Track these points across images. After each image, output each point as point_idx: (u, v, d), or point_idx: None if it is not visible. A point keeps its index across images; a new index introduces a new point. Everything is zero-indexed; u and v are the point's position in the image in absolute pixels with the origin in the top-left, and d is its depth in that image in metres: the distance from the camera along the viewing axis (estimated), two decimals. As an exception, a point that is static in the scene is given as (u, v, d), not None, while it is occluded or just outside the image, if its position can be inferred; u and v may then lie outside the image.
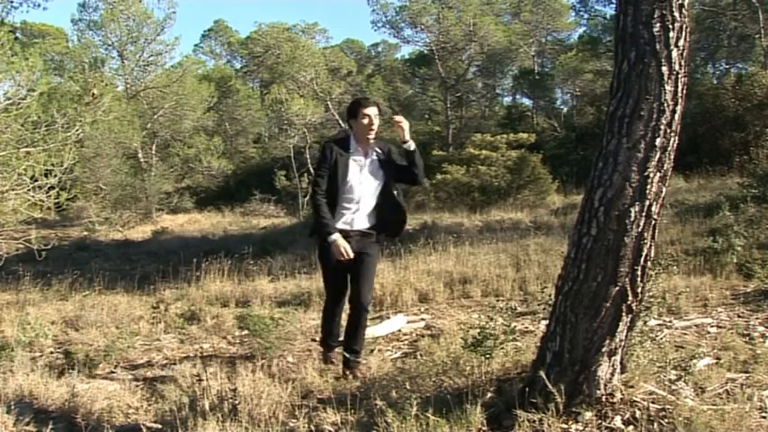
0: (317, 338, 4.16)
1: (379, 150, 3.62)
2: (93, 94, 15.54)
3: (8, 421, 2.87)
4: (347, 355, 3.65)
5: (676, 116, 2.38)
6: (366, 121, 3.52)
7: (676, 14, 2.32)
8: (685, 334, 3.91)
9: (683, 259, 5.67)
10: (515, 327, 3.62)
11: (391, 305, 5.58)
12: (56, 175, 7.12)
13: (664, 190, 2.42)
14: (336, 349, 3.91)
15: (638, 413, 2.44)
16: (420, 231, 10.37)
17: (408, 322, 4.96)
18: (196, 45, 37.77)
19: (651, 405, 2.51)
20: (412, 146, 3.54)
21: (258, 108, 26.62)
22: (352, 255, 3.47)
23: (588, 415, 2.43)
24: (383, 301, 5.65)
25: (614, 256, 2.39)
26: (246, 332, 4.77)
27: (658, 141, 2.35)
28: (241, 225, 15.80)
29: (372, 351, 4.17)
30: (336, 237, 3.47)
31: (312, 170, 3.55)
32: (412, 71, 27.73)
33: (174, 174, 21.82)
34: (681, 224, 7.59)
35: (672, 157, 2.41)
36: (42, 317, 5.62)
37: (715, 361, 3.25)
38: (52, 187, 7.13)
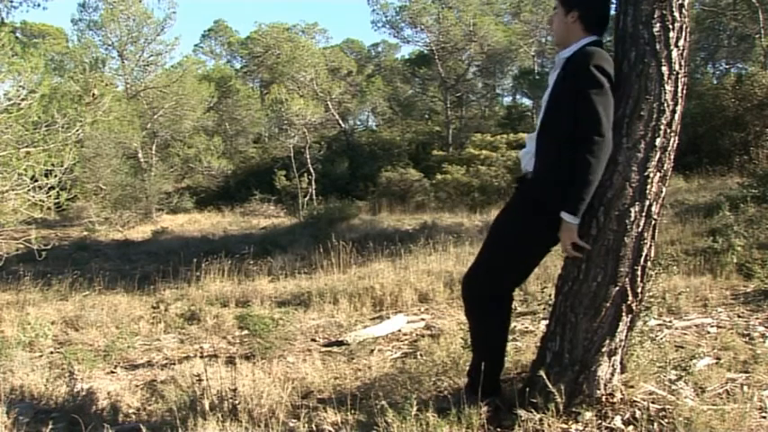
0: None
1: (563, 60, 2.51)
2: (94, 94, 15.54)
3: (8, 421, 2.87)
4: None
5: (676, 116, 2.38)
6: None
7: (676, 14, 2.32)
8: (685, 334, 3.91)
9: (683, 259, 5.67)
10: (515, 327, 3.62)
11: (391, 305, 5.58)
12: (56, 176, 7.13)
13: (664, 190, 2.42)
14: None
15: (638, 413, 2.44)
16: (420, 231, 10.38)
17: (408, 322, 4.96)
18: (196, 45, 37.72)
19: (651, 405, 2.51)
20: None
21: (258, 108, 26.60)
22: None
23: (588, 415, 2.43)
24: (383, 300, 5.65)
25: (614, 256, 2.39)
26: (246, 332, 4.77)
27: (658, 141, 2.35)
28: (241, 225, 15.80)
29: (372, 351, 4.17)
30: None
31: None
32: (412, 71, 27.73)
33: (174, 174, 21.80)
34: (681, 224, 7.59)
35: (672, 157, 2.40)
36: (42, 317, 5.62)
37: (715, 361, 3.25)
38: (52, 187, 7.14)
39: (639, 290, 2.44)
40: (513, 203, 2.66)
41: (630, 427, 2.40)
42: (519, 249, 2.51)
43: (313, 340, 4.75)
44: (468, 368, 2.78)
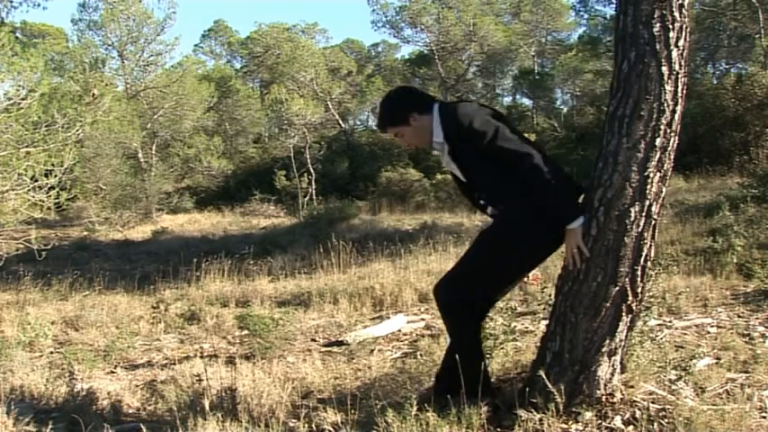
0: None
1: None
2: (94, 94, 15.55)
3: (8, 421, 2.87)
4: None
5: (676, 116, 2.38)
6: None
7: (676, 14, 2.32)
8: (685, 334, 3.91)
9: (683, 259, 5.67)
10: (515, 327, 3.63)
11: (391, 305, 5.58)
12: (56, 175, 7.13)
13: (664, 190, 2.42)
14: None
15: (638, 413, 2.44)
16: (420, 231, 10.39)
17: (408, 322, 4.96)
18: (196, 45, 37.71)
19: (651, 405, 2.51)
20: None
21: (258, 108, 26.61)
22: None
23: (588, 415, 2.43)
24: (383, 301, 5.65)
25: (614, 256, 2.39)
26: (246, 332, 4.77)
27: (658, 141, 2.35)
28: (241, 225, 15.80)
29: (372, 351, 4.17)
30: None
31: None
32: (412, 71, 27.74)
33: (174, 174, 21.81)
34: (681, 224, 7.59)
35: (672, 157, 2.40)
36: (42, 317, 5.62)
37: (715, 361, 3.25)
38: (52, 187, 7.14)
39: (639, 290, 2.44)
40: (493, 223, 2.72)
41: (630, 427, 2.40)
42: (497, 259, 2.57)
43: (313, 340, 4.75)
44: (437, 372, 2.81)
